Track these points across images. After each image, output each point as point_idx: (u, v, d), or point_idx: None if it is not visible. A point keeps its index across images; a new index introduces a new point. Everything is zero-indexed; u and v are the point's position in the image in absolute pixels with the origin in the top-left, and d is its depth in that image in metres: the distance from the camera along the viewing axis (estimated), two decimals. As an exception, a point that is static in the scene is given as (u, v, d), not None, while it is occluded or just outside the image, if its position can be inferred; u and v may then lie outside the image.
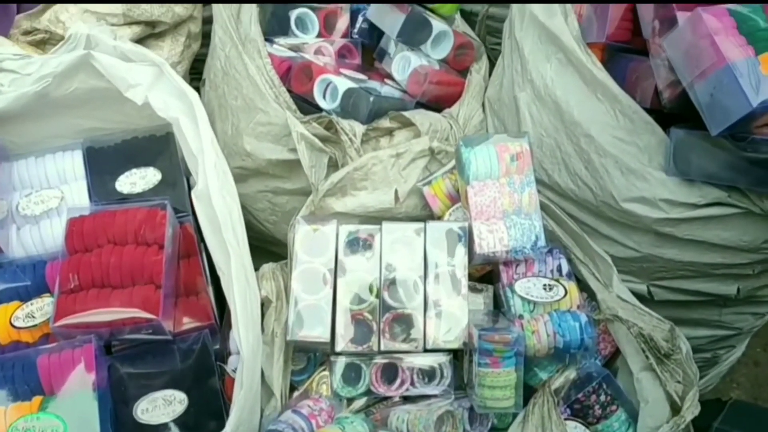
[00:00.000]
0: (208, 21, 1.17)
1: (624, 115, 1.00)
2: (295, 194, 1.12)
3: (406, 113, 1.08)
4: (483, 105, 1.17)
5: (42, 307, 0.99)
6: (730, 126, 0.90)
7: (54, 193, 1.05)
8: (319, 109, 1.10)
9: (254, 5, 1.08)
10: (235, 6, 1.09)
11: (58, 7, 1.07)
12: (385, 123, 1.07)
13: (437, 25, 1.14)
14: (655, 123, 0.99)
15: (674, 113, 1.00)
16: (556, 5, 1.02)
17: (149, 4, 1.07)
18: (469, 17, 1.28)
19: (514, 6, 1.10)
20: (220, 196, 0.98)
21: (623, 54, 1.04)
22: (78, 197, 1.05)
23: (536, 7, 1.04)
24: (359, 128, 1.05)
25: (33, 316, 0.98)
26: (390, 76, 1.17)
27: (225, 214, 0.96)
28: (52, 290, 0.99)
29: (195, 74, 1.23)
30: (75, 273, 0.97)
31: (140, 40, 1.11)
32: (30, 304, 0.99)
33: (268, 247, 1.21)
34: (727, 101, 0.89)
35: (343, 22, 1.18)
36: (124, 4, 1.06)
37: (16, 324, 0.98)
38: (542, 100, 1.06)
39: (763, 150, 0.95)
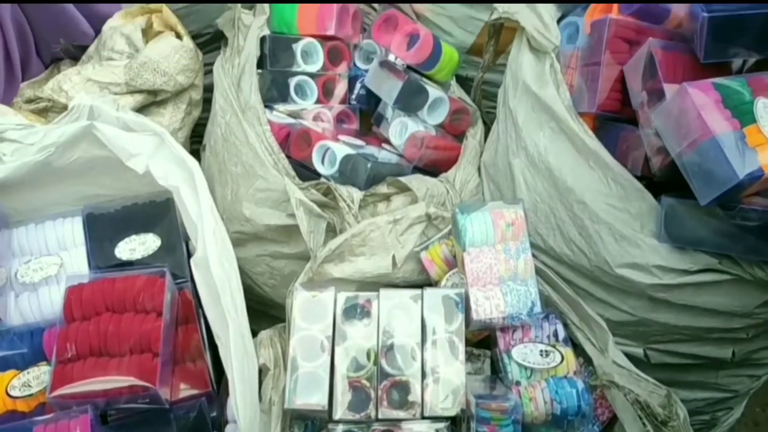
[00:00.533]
0: (208, 88, 1.19)
1: (616, 183, 1.02)
2: (294, 258, 1.13)
3: (403, 178, 1.10)
4: (479, 169, 1.19)
5: (38, 376, 0.98)
6: (719, 196, 0.93)
7: (53, 260, 1.05)
8: (318, 175, 1.12)
9: (255, 74, 1.11)
10: (235, 74, 1.12)
11: (60, 76, 1.10)
12: (382, 189, 1.09)
13: (433, 91, 1.17)
14: (646, 190, 1.02)
15: (665, 181, 1.02)
16: (548, 77, 1.05)
17: (152, 74, 1.09)
18: (464, 82, 1.32)
19: (508, 75, 1.13)
20: (219, 263, 0.98)
21: (614, 123, 1.07)
22: (77, 264, 1.05)
23: (529, 78, 1.07)
24: (357, 194, 1.07)
25: (29, 386, 0.98)
26: (387, 141, 1.20)
27: (224, 282, 0.97)
28: (50, 358, 0.99)
29: (196, 137, 1.25)
30: (72, 342, 0.97)
31: (142, 108, 1.13)
32: (27, 372, 0.98)
33: (267, 311, 1.22)
34: (715, 173, 0.92)
35: (341, 88, 1.21)
36: (127, 75, 1.09)
37: (12, 393, 0.97)
38: (536, 167, 1.08)
39: (752, 218, 0.98)
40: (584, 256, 1.07)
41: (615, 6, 1.06)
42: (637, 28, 1.04)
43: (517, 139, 1.10)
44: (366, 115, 1.24)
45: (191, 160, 1.02)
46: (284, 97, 1.16)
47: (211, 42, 1.36)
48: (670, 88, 1.00)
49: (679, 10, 1.05)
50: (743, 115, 0.94)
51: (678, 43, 1.03)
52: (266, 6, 1.14)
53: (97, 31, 1.14)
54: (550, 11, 1.09)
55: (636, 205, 1.02)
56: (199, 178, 1.01)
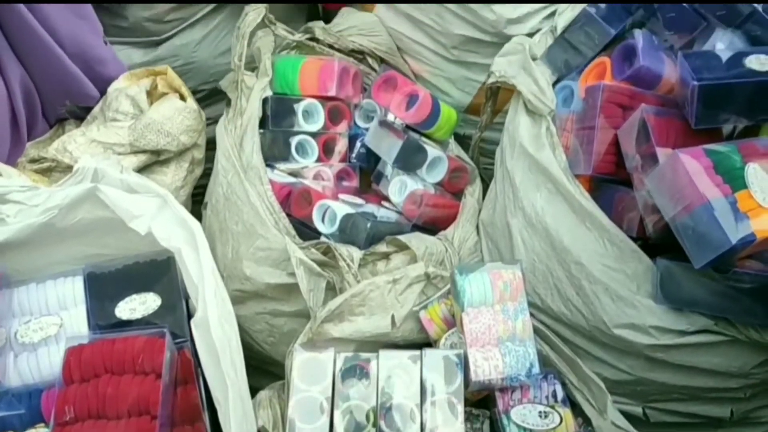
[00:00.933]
0: (211, 146, 1.21)
1: (612, 244, 1.04)
2: (293, 316, 1.13)
3: (402, 237, 1.12)
4: (477, 227, 1.21)
5: (35, 439, 0.98)
6: (712, 260, 0.94)
7: (53, 320, 1.05)
8: (318, 233, 1.14)
9: (257, 135, 1.13)
10: (238, 135, 1.14)
11: (65, 137, 1.11)
12: (382, 247, 1.10)
13: (432, 151, 1.20)
14: (641, 251, 1.03)
15: (660, 242, 1.04)
16: (544, 140, 1.08)
17: (156, 135, 1.11)
18: (462, 140, 1.34)
19: (505, 136, 1.15)
20: (219, 325, 0.99)
21: (609, 184, 1.09)
22: (77, 324, 1.05)
23: (526, 140, 1.10)
24: (357, 254, 1.08)
25: (27, 448, 0.97)
26: (387, 199, 1.22)
27: (224, 344, 0.97)
28: (48, 419, 0.98)
29: (197, 193, 1.26)
30: (71, 405, 0.97)
31: (145, 167, 1.15)
32: (24, 435, 0.98)
33: (266, 368, 1.22)
34: (708, 238, 0.93)
35: (341, 147, 1.23)
36: (131, 135, 1.11)
37: (9, 456, 0.96)
38: (533, 227, 1.10)
39: (746, 281, 0.99)
40: (582, 316, 1.08)
41: (608, 72, 1.09)
42: (629, 93, 1.07)
43: (515, 199, 1.11)
44: (366, 173, 1.26)
45: (193, 221, 1.03)
46: (285, 156, 1.18)
47: (209, 97, 1.40)
48: (662, 153, 1.02)
49: (670, 76, 1.09)
50: (734, 180, 0.97)
51: (670, 108, 1.06)
52: (269, 68, 1.17)
53: (102, 93, 1.16)
54: (545, 75, 1.12)
55: (632, 265, 1.03)
56: (201, 239, 1.02)
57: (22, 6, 0.99)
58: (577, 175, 1.07)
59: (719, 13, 1.06)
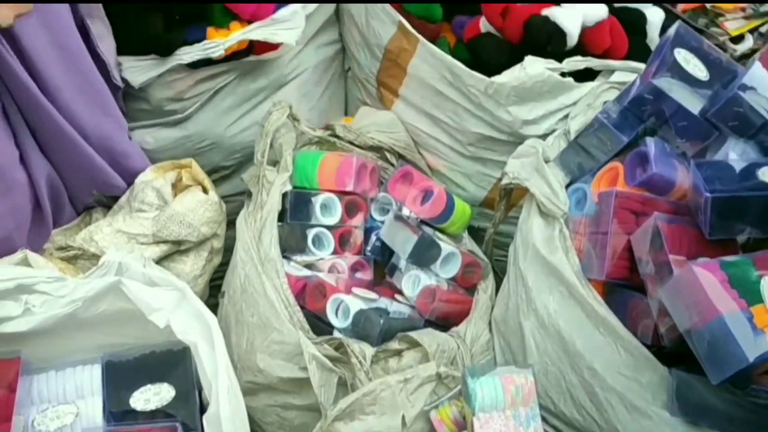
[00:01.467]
0: (230, 236, 1.24)
1: (626, 351, 1.03)
2: (304, 410, 1.14)
3: (414, 334, 1.12)
4: (490, 324, 1.21)
5: None
6: (729, 377, 0.93)
7: (70, 409, 1.07)
8: (332, 327, 1.15)
9: (275, 228, 1.16)
10: (257, 227, 1.17)
11: (93, 227, 1.16)
12: (394, 345, 1.11)
13: (446, 247, 1.21)
14: (656, 360, 1.02)
15: (675, 351, 1.03)
16: (557, 243, 1.09)
17: (178, 226, 1.15)
18: (476, 233, 1.36)
19: (518, 237, 1.17)
20: (231, 422, 1.00)
21: (623, 289, 1.09)
22: (93, 413, 1.07)
23: (539, 242, 1.11)
24: (369, 351, 1.09)
25: None
26: (400, 292, 1.23)
27: (234, 442, 0.98)
28: None
29: (215, 277, 1.29)
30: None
31: (166, 256, 1.18)
32: None
33: (274, 461, 1.21)
34: (724, 353, 0.92)
35: (357, 239, 1.26)
36: (155, 227, 1.15)
37: None
38: (546, 330, 1.10)
39: (764, 398, 0.97)
40: (595, 423, 1.06)
41: (621, 178, 1.10)
42: (642, 200, 1.08)
43: (528, 300, 1.12)
44: (380, 265, 1.28)
45: (210, 316, 1.05)
46: (302, 248, 1.21)
47: (237, 170, 1.44)
48: (676, 261, 1.03)
49: (683, 182, 1.10)
50: (750, 294, 0.96)
51: (683, 216, 1.07)
52: (290, 163, 1.21)
53: (128, 183, 1.21)
54: (558, 178, 1.14)
55: (647, 374, 1.02)
56: (217, 334, 1.04)
57: (50, 105, 1.05)
58: (590, 279, 1.08)
59: (732, 124, 1.07)
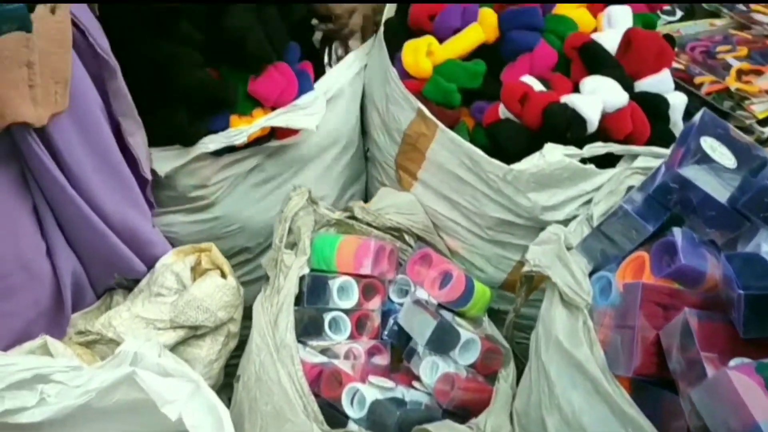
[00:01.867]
0: (246, 322, 1.23)
1: (657, 457, 0.98)
2: None
3: (431, 427, 1.08)
4: (511, 415, 1.17)
5: None
6: (769, 491, 0.87)
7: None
8: (347, 417, 1.12)
9: (292, 313, 1.15)
10: (273, 312, 1.16)
11: (112, 312, 1.16)
12: (411, 440, 1.07)
13: (465, 333, 1.18)
14: (690, 469, 0.96)
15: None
16: (581, 335, 1.05)
17: (195, 311, 1.15)
18: (497, 315, 1.33)
19: (540, 327, 1.13)
20: None
21: (653, 387, 1.04)
22: None
23: (561, 334, 1.07)
24: (384, 445, 1.05)
25: None
26: (418, 378, 1.20)
27: None
28: None
29: (230, 365, 1.28)
30: None
31: (182, 340, 1.18)
32: None
33: None
34: (762, 465, 0.86)
35: (374, 323, 1.24)
36: (172, 312, 1.15)
37: None
38: (570, 427, 1.04)
39: None
40: None
41: (647, 269, 1.06)
42: (670, 292, 1.03)
43: (550, 395, 1.07)
44: (397, 349, 1.25)
45: (223, 410, 1.03)
46: (318, 333, 1.19)
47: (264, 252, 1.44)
48: (708, 359, 0.98)
49: (714, 273, 1.05)
50: (787, 398, 0.90)
51: (714, 312, 1.02)
52: (307, 247, 1.21)
53: (149, 268, 1.22)
54: (581, 266, 1.11)
55: (680, 488, 0.96)
56: (229, 428, 1.02)
57: (79, 199, 1.08)
58: (617, 374, 1.03)
59: (764, 215, 1.03)
